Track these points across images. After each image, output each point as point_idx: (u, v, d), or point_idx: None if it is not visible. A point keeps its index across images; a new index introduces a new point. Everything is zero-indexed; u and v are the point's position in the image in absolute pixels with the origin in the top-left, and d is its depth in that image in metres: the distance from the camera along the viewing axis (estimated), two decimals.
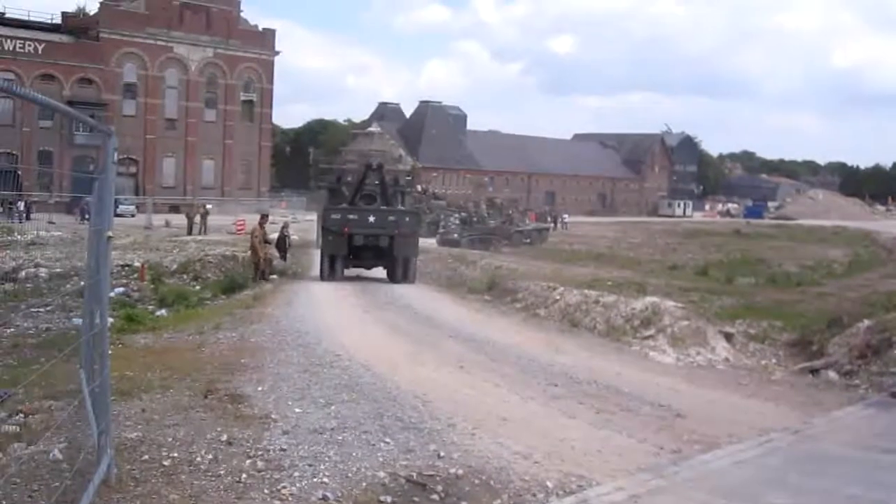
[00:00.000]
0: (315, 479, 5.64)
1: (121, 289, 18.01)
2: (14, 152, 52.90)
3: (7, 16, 55.81)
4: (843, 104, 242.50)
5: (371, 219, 19.96)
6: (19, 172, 50.03)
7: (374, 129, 64.32)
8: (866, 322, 11.90)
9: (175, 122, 63.34)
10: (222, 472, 5.67)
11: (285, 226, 25.69)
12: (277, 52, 69.31)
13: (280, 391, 8.07)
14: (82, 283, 7.96)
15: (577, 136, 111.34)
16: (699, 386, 9.67)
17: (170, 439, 6.29)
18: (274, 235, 23.26)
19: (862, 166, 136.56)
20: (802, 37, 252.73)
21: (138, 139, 59.41)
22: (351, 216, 20.09)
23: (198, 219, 40.56)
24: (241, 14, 66.90)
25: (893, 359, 10.35)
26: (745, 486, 5.91)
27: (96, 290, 5.30)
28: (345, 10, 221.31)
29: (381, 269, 21.05)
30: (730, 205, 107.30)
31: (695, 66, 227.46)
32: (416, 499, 5.48)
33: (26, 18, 56.61)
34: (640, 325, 12.92)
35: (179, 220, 42.71)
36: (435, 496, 5.54)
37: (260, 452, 6.12)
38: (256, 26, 68.33)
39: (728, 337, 12.80)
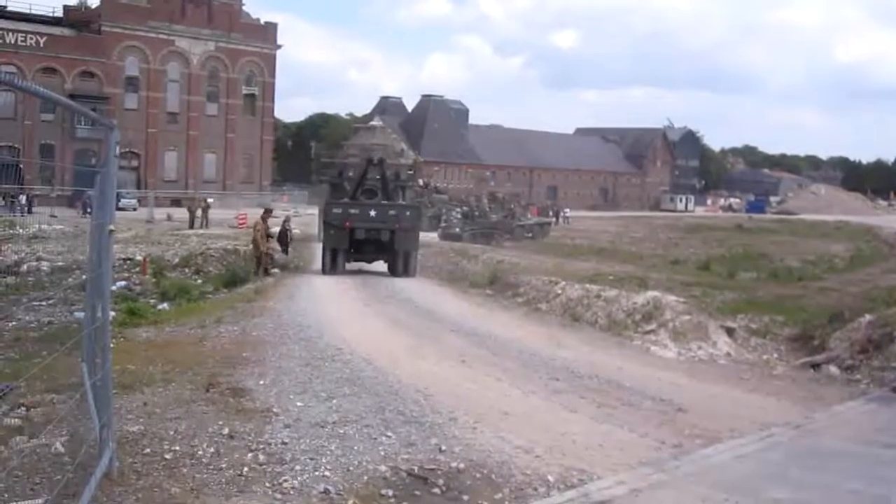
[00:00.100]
0: (316, 473, 5.65)
1: (123, 282, 18.05)
2: (16, 146, 52.88)
3: (9, 9, 55.76)
4: (845, 99, 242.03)
5: (372, 213, 20.12)
6: (21, 166, 50.33)
7: (375, 123, 64.24)
8: (868, 317, 11.88)
9: (177, 115, 63.27)
10: (224, 466, 5.68)
11: (287, 219, 25.72)
12: (279, 46, 69.25)
13: (282, 385, 8.08)
14: (84, 276, 7.97)
15: (578, 131, 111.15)
16: (700, 380, 9.67)
17: (171, 433, 6.30)
18: (276, 229, 23.29)
19: (864, 161, 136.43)
20: (805, 31, 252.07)
21: (140, 133, 59.36)
22: (352, 211, 20.23)
23: (199, 212, 40.56)
24: (243, 7, 66.85)
25: (895, 353, 10.34)
26: (746, 481, 5.91)
27: (98, 283, 5.31)
28: (346, 3, 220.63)
29: (382, 262, 21.13)
30: (732, 199, 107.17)
31: (697, 61, 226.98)
32: (417, 492, 5.48)
33: (28, 12, 56.54)
34: (642, 319, 12.92)
35: (181, 213, 42.70)
36: (436, 490, 5.54)
37: (261, 446, 6.13)
38: (258, 20, 68.24)
39: (729, 331, 12.80)
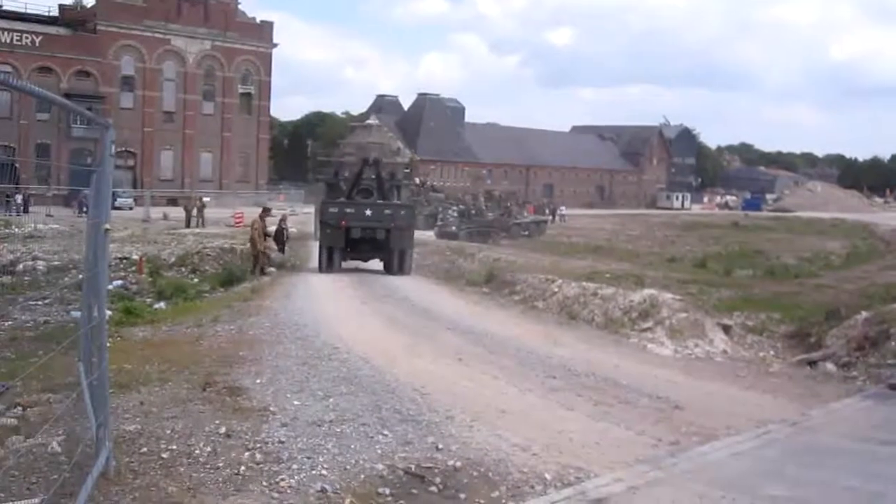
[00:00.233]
0: (313, 472, 5.65)
1: (119, 282, 18.02)
2: (11, 145, 52.72)
3: (4, 8, 55.65)
4: (841, 96, 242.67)
5: (367, 212, 20.34)
6: (17, 165, 50.25)
7: (372, 121, 64.38)
8: (864, 314, 11.91)
9: (173, 114, 63.18)
10: (221, 465, 5.68)
11: (283, 218, 25.73)
12: (275, 45, 69.19)
13: (278, 384, 8.07)
14: (80, 276, 7.95)
15: (575, 129, 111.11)
16: (697, 378, 9.68)
17: (168, 432, 6.29)
18: (272, 228, 23.29)
19: (860, 158, 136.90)
20: (800, 29, 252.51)
21: (136, 132, 59.24)
22: (348, 210, 20.44)
23: (195, 211, 40.52)
24: (239, 6, 66.78)
25: (891, 350, 10.37)
26: (742, 478, 5.92)
27: (94, 282, 5.29)
28: (343, 2, 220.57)
29: (377, 261, 21.25)
30: (728, 197, 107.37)
31: (693, 59, 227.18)
32: (414, 491, 5.48)
33: (23, 11, 56.40)
34: (639, 317, 12.93)
35: (177, 212, 42.67)
36: (433, 488, 5.54)
37: (258, 445, 6.12)
38: (254, 19, 68.16)
39: (726, 329, 12.81)
